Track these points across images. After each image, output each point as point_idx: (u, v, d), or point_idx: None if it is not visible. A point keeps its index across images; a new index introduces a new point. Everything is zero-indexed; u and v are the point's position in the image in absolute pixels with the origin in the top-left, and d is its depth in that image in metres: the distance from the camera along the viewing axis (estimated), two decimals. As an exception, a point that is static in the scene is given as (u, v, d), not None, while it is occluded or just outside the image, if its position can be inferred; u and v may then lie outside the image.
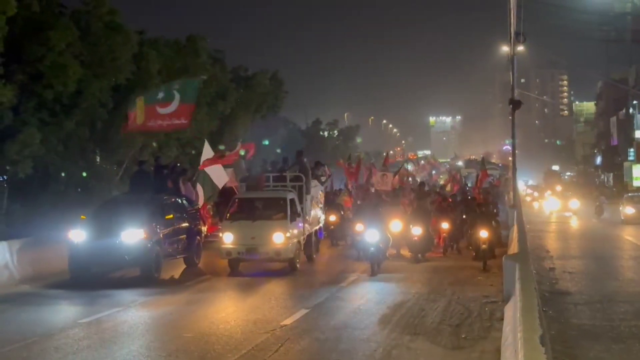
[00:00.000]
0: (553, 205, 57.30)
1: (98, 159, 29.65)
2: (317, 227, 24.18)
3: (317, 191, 24.23)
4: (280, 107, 50.07)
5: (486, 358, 11.74)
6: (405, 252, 23.50)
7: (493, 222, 23.03)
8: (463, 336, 13.03)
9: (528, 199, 73.14)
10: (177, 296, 17.13)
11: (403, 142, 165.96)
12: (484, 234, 21.83)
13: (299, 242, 21.13)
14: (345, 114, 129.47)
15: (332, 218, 26.96)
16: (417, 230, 22.63)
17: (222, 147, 27.51)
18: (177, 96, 22.03)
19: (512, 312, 12.86)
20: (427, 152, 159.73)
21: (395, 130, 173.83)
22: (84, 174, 27.85)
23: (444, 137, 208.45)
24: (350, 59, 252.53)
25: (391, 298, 16.79)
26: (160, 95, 22.29)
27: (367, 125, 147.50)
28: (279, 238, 20.04)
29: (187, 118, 22.40)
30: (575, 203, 55.22)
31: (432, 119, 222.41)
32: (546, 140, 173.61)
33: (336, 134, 75.49)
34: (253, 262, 20.91)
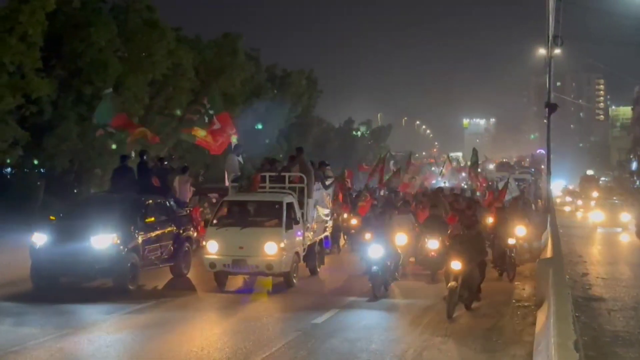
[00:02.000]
0: (597, 217, 46.40)
1: (133, 155, 29.94)
2: (322, 236, 20.82)
3: (322, 194, 20.97)
4: (314, 107, 50.33)
5: (518, 362, 11.70)
6: (415, 269, 19.95)
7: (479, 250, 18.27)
8: (494, 340, 12.98)
9: (567, 208, 63.89)
10: (146, 316, 14.49)
11: (436, 143, 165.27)
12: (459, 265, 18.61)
13: (296, 253, 18.13)
14: (378, 114, 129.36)
15: (354, 222, 24.54)
16: (433, 244, 18.97)
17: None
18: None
19: (544, 317, 12.81)
20: (459, 154, 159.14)
21: (428, 131, 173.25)
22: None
23: (477, 139, 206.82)
24: (384, 60, 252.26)
25: (381, 338, 13.06)
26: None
27: (400, 126, 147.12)
28: (272, 248, 17.08)
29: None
30: (626, 216, 44.87)
31: (465, 121, 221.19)
32: (581, 145, 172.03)
33: (367, 132, 75.40)
34: (244, 276, 18.29)
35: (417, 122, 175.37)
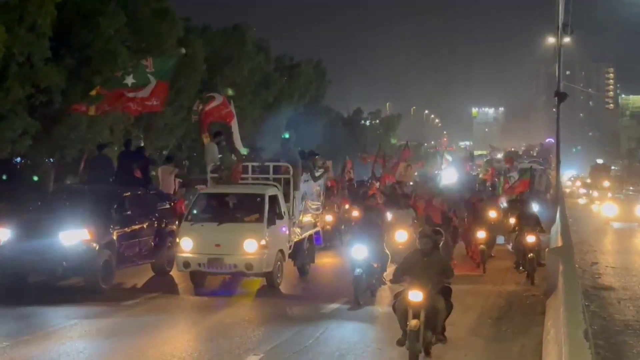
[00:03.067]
0: (610, 210, 41.82)
1: (142, 144, 29.97)
2: (312, 232, 19.06)
3: (312, 187, 19.33)
4: (323, 96, 50.26)
5: (527, 352, 11.70)
6: None
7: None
8: (504, 329, 12.99)
9: (582, 200, 58.66)
10: (114, 320, 13.35)
11: (445, 132, 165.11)
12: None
13: (281, 251, 16.54)
14: (387, 104, 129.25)
15: (355, 214, 23.12)
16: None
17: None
18: (152, 79, 18.82)
19: (554, 306, 12.81)
20: (468, 143, 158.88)
21: (437, 121, 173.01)
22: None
23: (485, 128, 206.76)
24: (393, 49, 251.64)
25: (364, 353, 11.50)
26: (131, 81, 18.83)
27: (409, 115, 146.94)
28: (251, 246, 15.62)
29: (160, 99, 19.17)
30: None
31: (474, 110, 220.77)
32: (590, 134, 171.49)
33: (377, 122, 75.36)
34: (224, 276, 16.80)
35: (426, 112, 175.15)
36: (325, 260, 20.11)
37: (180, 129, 29.96)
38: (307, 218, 18.67)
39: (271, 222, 16.10)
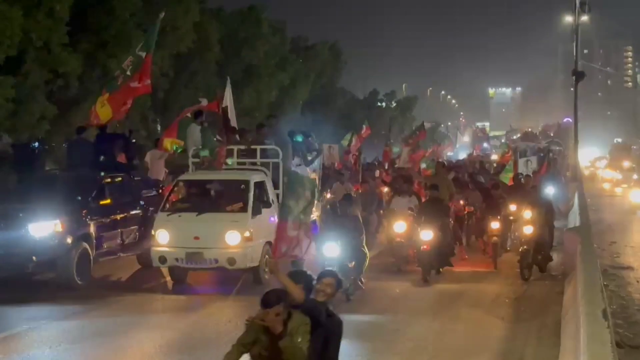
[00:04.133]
0: (638, 196, 36.42)
1: (159, 128, 30.06)
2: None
3: (305, 172, 17.29)
4: (339, 78, 50.19)
5: (545, 331, 11.70)
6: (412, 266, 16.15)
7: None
8: (522, 309, 12.98)
9: (607, 185, 52.35)
10: (82, 322, 12.04)
11: (462, 113, 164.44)
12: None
13: (269, 243, 14.26)
14: (403, 85, 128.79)
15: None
16: (426, 235, 15.23)
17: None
18: (142, 55, 17.62)
19: (572, 286, 12.78)
20: (486, 124, 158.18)
21: (453, 101, 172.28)
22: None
23: (503, 108, 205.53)
24: (408, 30, 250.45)
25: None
26: (130, 73, 17.50)
27: (426, 96, 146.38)
28: (234, 238, 14.16)
29: (148, 76, 17.69)
30: None
31: (491, 90, 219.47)
32: (609, 113, 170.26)
33: (394, 104, 75.12)
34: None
35: (442, 92, 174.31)
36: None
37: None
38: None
39: (257, 211, 14.57)
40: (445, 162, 31.07)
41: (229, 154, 16.03)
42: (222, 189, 15.36)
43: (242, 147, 16.31)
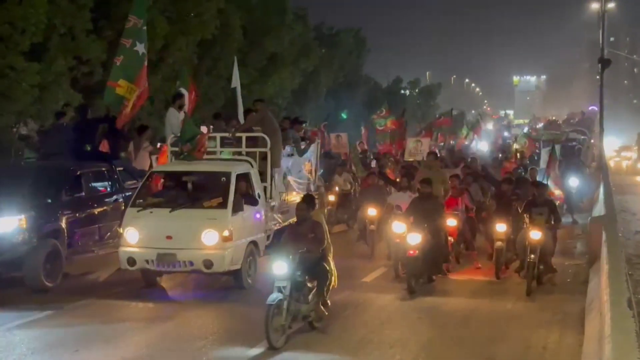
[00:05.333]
0: None
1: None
2: None
3: (299, 162, 16.39)
4: (362, 65, 50.07)
5: (570, 319, 11.65)
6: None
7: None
8: (546, 298, 12.91)
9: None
10: (23, 333, 10.65)
11: (485, 101, 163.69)
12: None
13: (253, 243, 13.51)
14: (427, 73, 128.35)
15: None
16: (413, 238, 13.43)
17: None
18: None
19: (597, 274, 12.71)
20: (510, 112, 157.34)
21: (477, 89, 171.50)
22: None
23: (527, 96, 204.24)
24: (433, 17, 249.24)
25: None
26: (142, 50, 16.43)
27: (449, 84, 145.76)
28: (211, 238, 12.66)
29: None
30: None
31: (515, 78, 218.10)
32: (635, 102, 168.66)
33: (417, 91, 74.90)
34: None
35: (466, 80, 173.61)
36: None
37: (220, 98, 30.04)
38: (295, 200, 15.19)
39: (238, 207, 13.10)
40: (456, 152, 30.36)
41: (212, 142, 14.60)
42: (201, 182, 13.80)
43: (226, 134, 14.94)
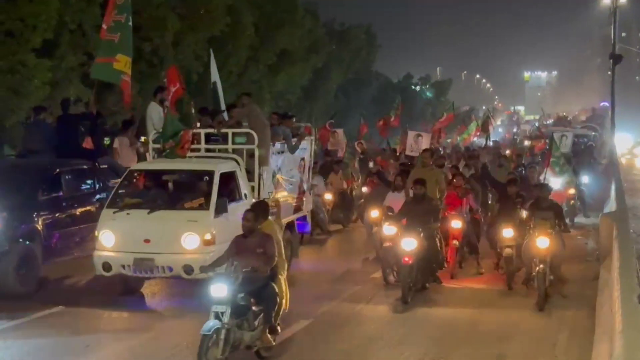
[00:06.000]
0: None
1: (193, 111, 30.17)
2: (292, 218, 15.17)
3: (290, 161, 15.43)
4: (373, 62, 50.02)
5: (580, 316, 11.61)
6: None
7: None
8: (557, 295, 12.86)
9: None
10: None
11: (496, 97, 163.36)
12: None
13: None
14: (438, 69, 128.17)
15: (364, 189, 20.39)
16: (408, 244, 12.52)
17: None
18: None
19: (608, 271, 12.65)
20: (521, 108, 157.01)
21: (488, 85, 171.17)
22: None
23: (538, 92, 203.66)
24: (443, 13, 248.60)
25: None
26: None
27: (460, 80, 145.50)
28: (192, 242, 11.82)
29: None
30: None
31: (526, 74, 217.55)
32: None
33: (427, 87, 74.84)
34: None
35: (477, 76, 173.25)
36: (318, 252, 17.32)
37: (231, 94, 30.06)
38: (285, 200, 14.74)
39: (222, 208, 12.13)
40: (463, 149, 29.66)
41: (196, 139, 13.60)
42: (182, 182, 13.14)
43: (211, 130, 13.93)
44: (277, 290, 9.53)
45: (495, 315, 11.86)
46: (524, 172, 19.44)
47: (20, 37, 19.29)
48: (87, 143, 15.44)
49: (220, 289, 8.82)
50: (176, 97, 16.08)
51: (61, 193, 13.55)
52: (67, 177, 13.85)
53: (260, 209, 10.05)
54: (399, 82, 66.27)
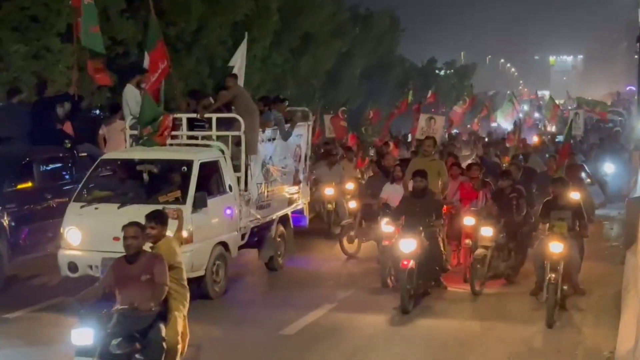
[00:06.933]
0: None
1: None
2: (286, 211, 14.28)
3: (283, 149, 14.25)
4: (397, 46, 49.77)
5: (605, 301, 11.55)
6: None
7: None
8: (582, 280, 12.77)
9: None
10: None
11: (521, 81, 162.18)
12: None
13: (222, 244, 11.77)
14: (462, 53, 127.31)
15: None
16: (407, 245, 11.30)
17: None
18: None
19: (634, 256, 12.56)
20: (546, 92, 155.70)
21: (513, 69, 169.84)
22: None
23: (564, 77, 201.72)
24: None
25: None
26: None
27: (484, 65, 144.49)
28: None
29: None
30: None
31: (552, 58, 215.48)
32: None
33: (451, 71, 74.29)
34: None
35: (502, 61, 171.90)
36: (322, 248, 16.16)
37: (255, 79, 30.08)
38: (279, 192, 13.89)
39: (201, 202, 11.16)
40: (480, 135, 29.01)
41: (177, 125, 12.50)
42: (159, 173, 11.92)
43: (194, 115, 12.84)
44: (163, 334, 7.44)
45: (505, 331, 10.50)
46: (524, 161, 18.02)
47: (45, 22, 19.37)
48: (67, 128, 14.11)
49: (84, 335, 6.98)
50: (164, 76, 15.04)
51: (32, 184, 12.46)
52: (39, 166, 12.73)
53: (151, 222, 7.94)
54: (423, 67, 65.88)
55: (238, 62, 16.14)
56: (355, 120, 37.44)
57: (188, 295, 8.09)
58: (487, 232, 12.32)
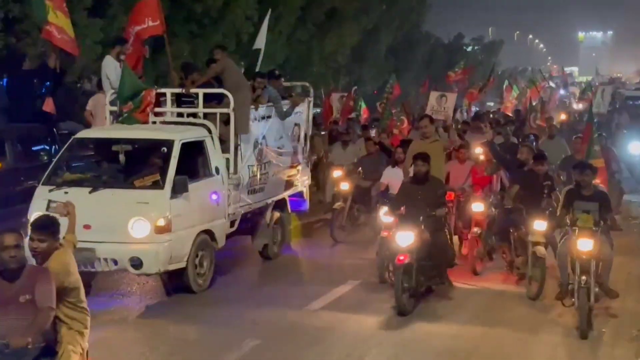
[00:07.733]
0: None
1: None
2: (283, 195, 13.29)
3: (279, 128, 13.14)
4: (423, 23, 49.47)
5: (634, 280, 11.45)
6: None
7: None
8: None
9: None
10: None
11: (549, 58, 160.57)
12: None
13: (207, 232, 10.81)
14: (490, 29, 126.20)
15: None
16: (404, 238, 10.11)
17: None
18: None
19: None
20: (575, 69, 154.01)
21: (541, 46, 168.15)
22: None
23: (593, 53, 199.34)
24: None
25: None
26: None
27: (513, 41, 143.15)
28: (141, 229, 9.90)
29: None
30: None
31: (581, 34, 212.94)
32: None
33: (479, 48, 73.68)
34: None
35: (530, 37, 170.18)
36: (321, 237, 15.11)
37: (281, 55, 30.03)
38: (274, 175, 12.83)
39: (181, 187, 10.19)
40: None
41: (159, 101, 11.42)
42: (136, 154, 10.93)
43: (179, 90, 11.88)
44: None
45: (517, 340, 9.26)
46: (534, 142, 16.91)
47: (73, -2, 19.42)
48: (48, 105, 12.82)
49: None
50: (154, 34, 13.60)
51: (3, 165, 11.57)
52: (12, 145, 11.80)
53: (37, 232, 6.14)
54: (450, 43, 65.39)
55: (263, 40, 15.61)
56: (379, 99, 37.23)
57: (88, 320, 6.27)
58: (541, 226, 10.81)
